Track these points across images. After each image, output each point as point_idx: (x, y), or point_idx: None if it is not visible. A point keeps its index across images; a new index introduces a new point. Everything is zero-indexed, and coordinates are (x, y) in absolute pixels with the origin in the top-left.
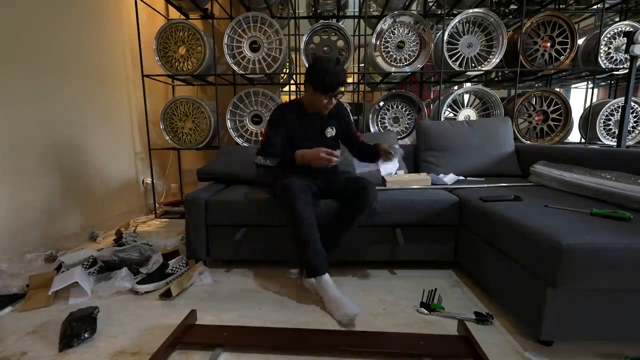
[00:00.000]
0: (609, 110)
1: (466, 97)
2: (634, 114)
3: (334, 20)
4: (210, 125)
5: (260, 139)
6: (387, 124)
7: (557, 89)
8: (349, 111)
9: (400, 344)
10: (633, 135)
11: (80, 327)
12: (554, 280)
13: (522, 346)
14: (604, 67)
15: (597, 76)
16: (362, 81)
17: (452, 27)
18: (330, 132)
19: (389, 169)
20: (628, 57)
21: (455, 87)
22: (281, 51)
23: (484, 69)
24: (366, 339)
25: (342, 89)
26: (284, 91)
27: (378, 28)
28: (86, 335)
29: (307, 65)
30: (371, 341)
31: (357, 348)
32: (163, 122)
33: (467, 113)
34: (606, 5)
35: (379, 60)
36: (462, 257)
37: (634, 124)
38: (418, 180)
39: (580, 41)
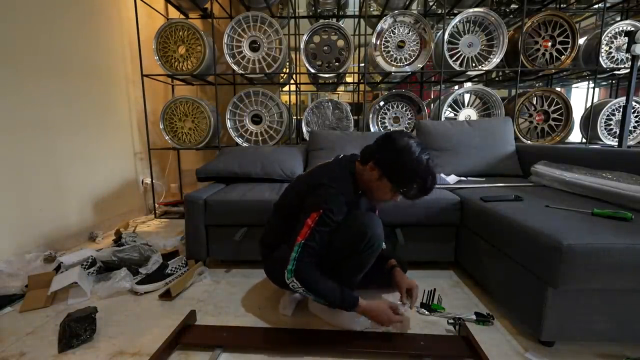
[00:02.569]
0: (610, 110)
1: (467, 96)
2: (635, 114)
3: (334, 20)
4: (210, 125)
5: (260, 138)
6: (387, 124)
7: (558, 89)
8: None
9: (400, 344)
10: (634, 135)
11: (79, 327)
12: (554, 280)
13: (523, 347)
14: (605, 66)
15: (598, 76)
16: (362, 81)
17: (453, 27)
18: None
19: None
20: (629, 56)
21: (456, 87)
22: (281, 51)
23: (484, 68)
24: (366, 339)
25: None
26: (283, 91)
27: (378, 27)
28: (86, 335)
29: (382, 142)
30: (371, 341)
31: (357, 348)
32: (163, 122)
33: (468, 113)
34: (607, 5)
35: (379, 59)
36: (463, 257)
37: (635, 124)
38: None
39: (581, 41)
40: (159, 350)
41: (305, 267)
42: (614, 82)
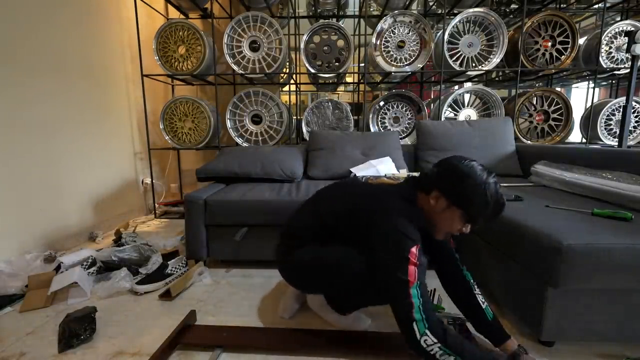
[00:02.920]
0: (610, 110)
1: (467, 96)
2: (635, 114)
3: (334, 20)
4: (210, 125)
5: (260, 138)
6: (387, 124)
7: (558, 89)
8: None
9: (400, 344)
10: (634, 135)
11: (79, 327)
12: (554, 280)
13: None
14: (605, 66)
15: (598, 76)
16: (362, 81)
17: (453, 27)
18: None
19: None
20: (629, 56)
21: (456, 87)
22: (281, 51)
23: (484, 68)
24: (366, 339)
25: None
26: (283, 91)
27: (378, 27)
28: (86, 335)
29: (444, 168)
30: (371, 341)
31: (357, 348)
32: (163, 122)
33: (468, 113)
34: (607, 5)
35: (379, 59)
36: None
37: (635, 124)
38: None
39: (581, 41)
40: (159, 350)
41: (437, 319)
42: (614, 82)
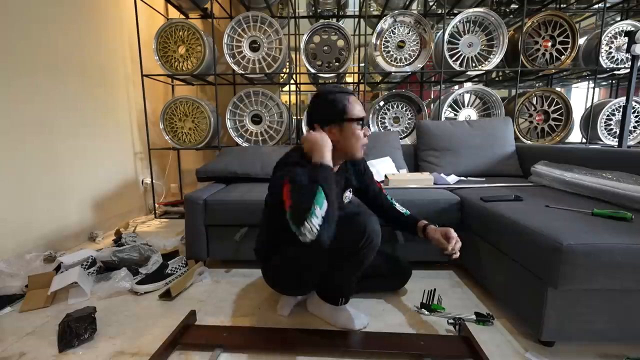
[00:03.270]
0: (610, 110)
1: (467, 96)
2: (635, 114)
3: (334, 20)
4: (210, 125)
5: (260, 138)
6: (387, 124)
7: (558, 89)
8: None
9: (400, 344)
10: (634, 135)
11: (80, 327)
12: (554, 280)
13: (523, 347)
14: (605, 66)
15: (598, 76)
16: (362, 81)
17: (453, 27)
18: (348, 196)
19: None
20: (629, 56)
21: (456, 87)
22: (281, 51)
23: (484, 68)
24: (366, 339)
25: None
26: (283, 91)
27: (378, 28)
28: (87, 335)
29: (310, 104)
30: (371, 341)
31: (357, 348)
32: (163, 122)
33: (468, 113)
34: (607, 5)
35: (379, 59)
36: (463, 257)
37: (635, 124)
38: (420, 179)
39: (581, 41)
40: (159, 350)
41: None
42: (614, 82)
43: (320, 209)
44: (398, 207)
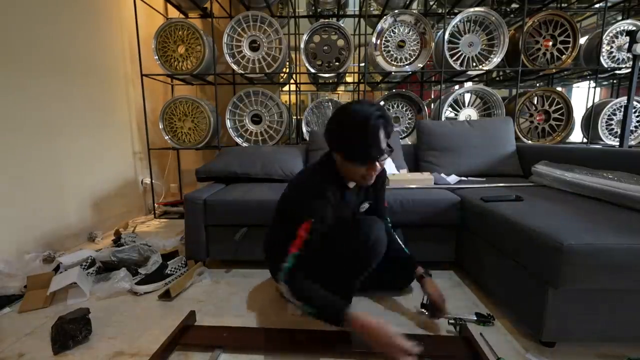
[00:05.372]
0: (611, 110)
1: (467, 96)
2: (637, 114)
3: (334, 20)
4: (210, 125)
5: (260, 138)
6: None
7: (559, 89)
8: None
9: None
10: (635, 135)
11: (75, 328)
12: (555, 281)
13: (524, 347)
14: (606, 66)
15: (599, 75)
16: (362, 81)
17: (453, 26)
18: (365, 207)
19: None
20: (630, 56)
21: (456, 87)
22: (281, 50)
23: (485, 68)
24: None
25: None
26: (283, 91)
27: (378, 27)
28: (82, 336)
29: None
30: None
31: (357, 349)
32: (162, 121)
33: (468, 113)
34: (608, 4)
35: (380, 59)
36: (463, 257)
37: (637, 124)
38: (421, 179)
39: (582, 40)
40: (159, 350)
41: (300, 278)
42: (615, 81)
43: (301, 305)
44: (397, 238)
